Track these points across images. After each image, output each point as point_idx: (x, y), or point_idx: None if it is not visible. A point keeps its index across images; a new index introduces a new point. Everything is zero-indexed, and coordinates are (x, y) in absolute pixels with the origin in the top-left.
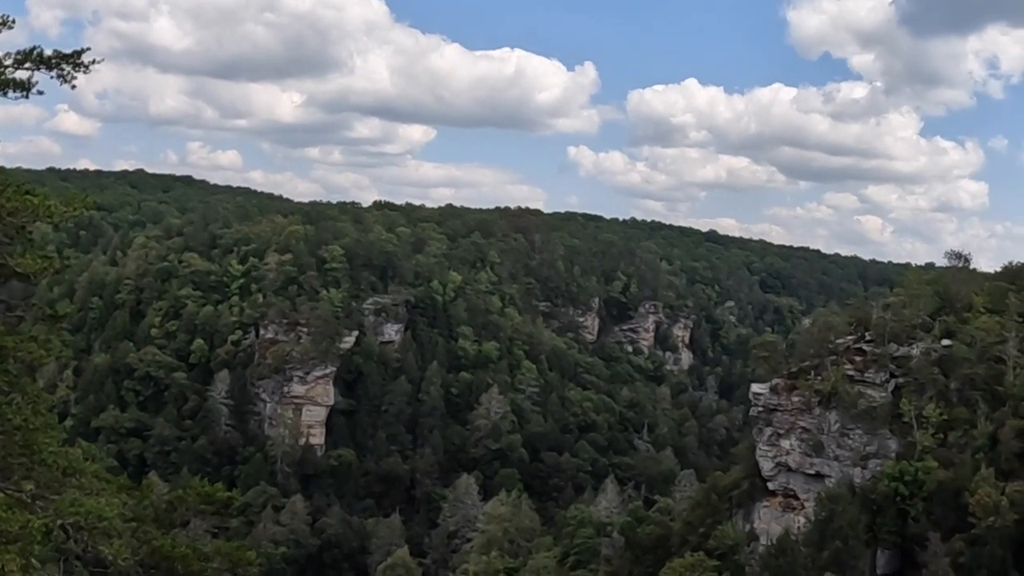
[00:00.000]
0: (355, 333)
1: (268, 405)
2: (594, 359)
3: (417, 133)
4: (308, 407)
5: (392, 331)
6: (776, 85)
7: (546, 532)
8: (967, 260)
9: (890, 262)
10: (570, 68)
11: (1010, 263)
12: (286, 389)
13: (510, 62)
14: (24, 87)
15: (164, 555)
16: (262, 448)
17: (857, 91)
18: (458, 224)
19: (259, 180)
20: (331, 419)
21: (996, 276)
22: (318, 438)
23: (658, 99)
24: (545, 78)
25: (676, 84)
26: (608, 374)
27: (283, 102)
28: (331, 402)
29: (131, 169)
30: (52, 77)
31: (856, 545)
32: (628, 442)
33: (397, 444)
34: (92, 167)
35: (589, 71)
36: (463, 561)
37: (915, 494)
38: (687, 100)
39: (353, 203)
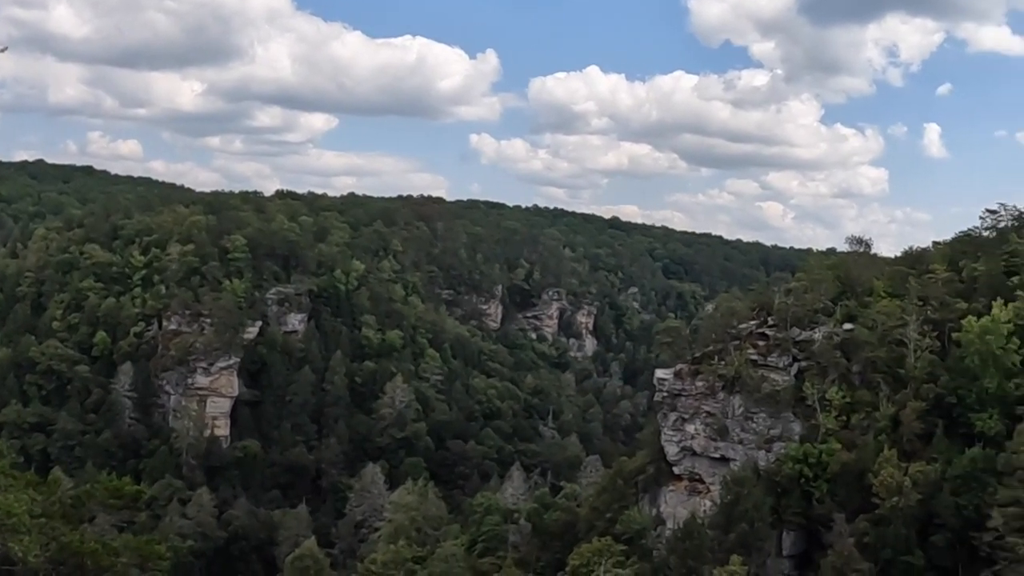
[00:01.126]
0: (258, 323)
1: (172, 397)
2: (498, 346)
3: (319, 121)
4: (212, 398)
5: (295, 321)
6: (678, 73)
7: (453, 520)
8: (868, 245)
9: (792, 247)
10: (472, 56)
11: (910, 248)
12: (190, 381)
13: (412, 50)
14: None
15: (73, 551)
16: (167, 441)
17: (758, 79)
18: (360, 213)
19: (160, 170)
20: (236, 410)
21: (896, 261)
22: (223, 430)
23: (560, 86)
24: (447, 66)
25: (578, 71)
26: (512, 361)
27: (184, 91)
28: (235, 393)
29: (31, 159)
30: None
31: (762, 527)
32: (533, 429)
33: (302, 434)
34: None
35: (491, 59)
36: (371, 551)
37: (819, 476)
38: (589, 87)
39: (255, 192)
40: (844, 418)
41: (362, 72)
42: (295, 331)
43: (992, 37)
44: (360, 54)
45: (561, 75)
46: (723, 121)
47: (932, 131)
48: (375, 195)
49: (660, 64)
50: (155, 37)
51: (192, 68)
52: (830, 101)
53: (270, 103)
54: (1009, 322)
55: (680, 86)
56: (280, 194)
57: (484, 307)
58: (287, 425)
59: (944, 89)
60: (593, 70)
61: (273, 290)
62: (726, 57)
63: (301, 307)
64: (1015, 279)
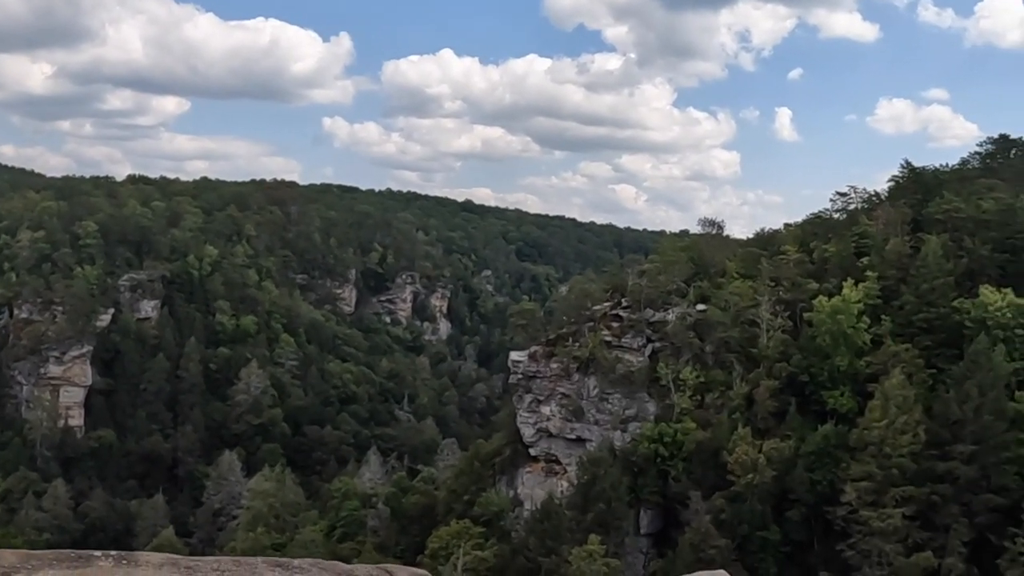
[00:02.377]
0: (111, 311)
1: (25, 387)
2: (352, 331)
3: (171, 105)
4: (66, 388)
5: (149, 307)
6: (531, 56)
7: (311, 506)
8: (720, 227)
9: (645, 230)
10: (325, 38)
11: (762, 229)
12: (43, 370)
13: (265, 32)
14: None
15: None
16: (20, 432)
17: (611, 62)
18: (214, 197)
19: (9, 154)
20: (90, 400)
21: (748, 242)
22: (77, 420)
23: (413, 69)
24: (300, 48)
25: (431, 55)
26: (367, 345)
27: (33, 73)
28: (89, 382)
29: None
30: None
31: (619, 506)
32: (389, 413)
33: (158, 423)
34: None
35: (344, 41)
36: (230, 539)
37: (675, 455)
38: (443, 71)
39: (107, 177)
40: (698, 397)
41: (214, 54)
42: (148, 318)
43: (843, 23)
44: (212, 36)
45: (415, 58)
46: (576, 104)
47: (784, 115)
48: (228, 179)
49: (514, 47)
50: (3, 18)
51: (42, 50)
52: (683, 85)
53: (121, 86)
54: (859, 302)
55: (534, 69)
56: (132, 179)
57: (338, 291)
58: (142, 414)
59: (795, 74)
60: (447, 53)
61: (126, 276)
62: (579, 41)
63: (154, 293)
64: (865, 260)
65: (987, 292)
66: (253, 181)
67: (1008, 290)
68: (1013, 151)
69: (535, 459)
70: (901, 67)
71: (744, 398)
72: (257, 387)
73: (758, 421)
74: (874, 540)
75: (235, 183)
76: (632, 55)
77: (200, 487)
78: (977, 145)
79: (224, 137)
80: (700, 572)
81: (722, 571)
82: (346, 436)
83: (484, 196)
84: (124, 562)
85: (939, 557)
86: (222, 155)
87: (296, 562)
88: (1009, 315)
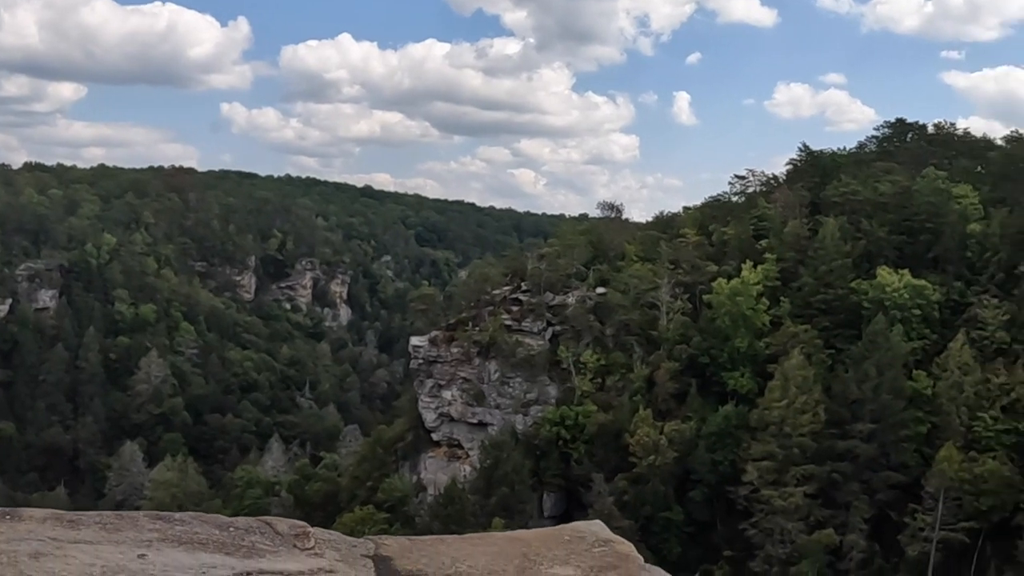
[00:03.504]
0: (8, 301)
1: None
2: (253, 318)
3: (67, 91)
4: None
5: (47, 297)
6: (430, 41)
7: (214, 495)
8: (619, 211)
9: (544, 214)
10: (223, 23)
11: (661, 213)
12: None
13: (162, 16)
14: None
15: None
16: None
17: (510, 47)
18: (112, 185)
19: None
20: None
21: (647, 226)
22: None
23: (312, 54)
24: (197, 33)
25: (330, 39)
26: (267, 332)
27: None
28: None
29: None
30: None
31: (522, 490)
32: (291, 400)
33: (58, 414)
34: None
35: (242, 26)
36: None
37: (577, 437)
38: (341, 55)
39: (3, 165)
40: (599, 380)
41: (111, 39)
42: (46, 308)
43: (741, 8)
44: (109, 21)
45: (313, 43)
46: (475, 89)
47: (682, 99)
48: (126, 166)
49: (412, 32)
50: None
51: None
52: (582, 70)
53: (16, 72)
54: (758, 284)
55: (432, 54)
56: (28, 166)
57: (238, 278)
58: (41, 405)
59: (694, 58)
60: (345, 38)
61: (23, 266)
62: (478, 25)
63: (52, 283)
64: (763, 242)
65: (884, 273)
66: (151, 168)
67: (905, 271)
68: (909, 135)
69: (437, 444)
70: (799, 52)
71: (645, 380)
72: (157, 376)
73: (659, 403)
74: (776, 518)
75: (133, 170)
76: (531, 40)
77: (102, 478)
78: (874, 129)
79: (122, 123)
80: (576, 522)
81: (598, 521)
82: (248, 424)
83: (383, 181)
84: (7, 517)
85: (841, 534)
86: (120, 142)
87: (177, 515)
88: (906, 296)
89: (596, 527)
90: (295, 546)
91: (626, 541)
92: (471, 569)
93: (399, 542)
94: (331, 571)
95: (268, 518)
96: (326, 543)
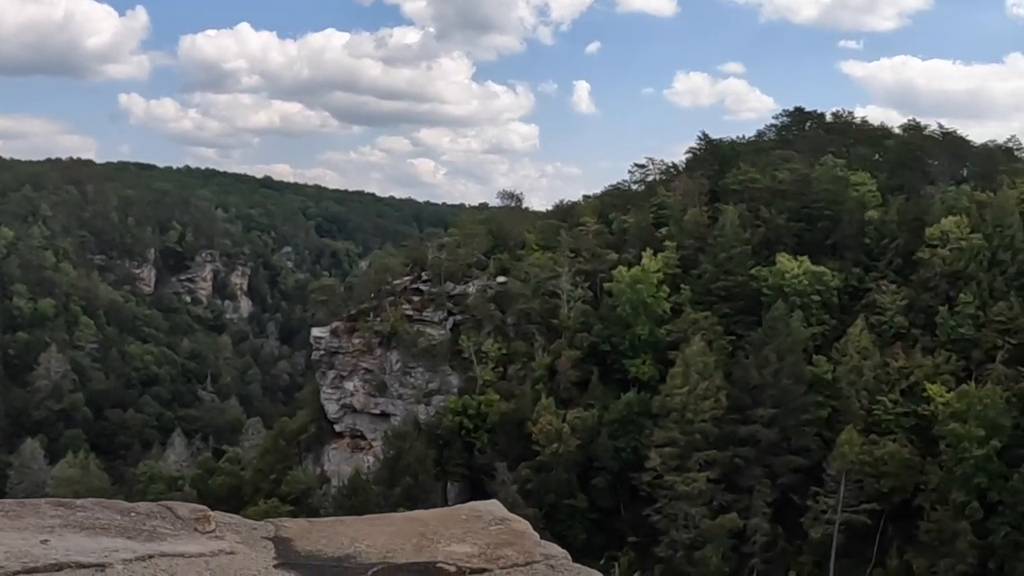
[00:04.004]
0: None
1: None
2: (153, 311)
3: None
4: None
5: None
6: (329, 30)
7: (117, 492)
8: (519, 200)
9: (444, 203)
10: (121, 12)
11: (560, 201)
12: None
13: (59, 6)
14: None
15: None
16: None
17: (410, 36)
18: (8, 177)
19: None
20: None
21: (547, 214)
22: None
23: (211, 44)
24: (95, 23)
25: (229, 29)
26: (168, 326)
27: None
28: None
29: None
30: None
31: (426, 480)
32: (192, 394)
33: None
34: None
35: (140, 15)
36: None
37: (479, 427)
38: (240, 45)
39: None
40: (501, 369)
41: (7, 29)
42: None
43: None
44: (5, 10)
45: (212, 32)
46: (374, 79)
47: (582, 88)
48: (23, 158)
49: (312, 21)
50: None
51: None
52: (481, 59)
53: None
54: (658, 271)
55: (331, 44)
56: None
57: (137, 271)
58: None
59: (593, 48)
60: (244, 27)
61: None
62: (378, 15)
63: None
64: (663, 230)
65: (784, 260)
66: (49, 160)
67: (804, 258)
68: (808, 123)
69: (340, 435)
70: (698, 41)
71: (546, 369)
72: (57, 372)
73: (561, 391)
74: (680, 504)
75: (30, 162)
76: (431, 29)
77: (3, 476)
78: (773, 118)
79: (18, 115)
80: (474, 502)
81: (495, 501)
82: (149, 419)
83: (283, 172)
84: None
85: (744, 518)
86: (16, 133)
87: (79, 502)
88: (805, 282)
89: (493, 506)
90: (196, 529)
91: (522, 519)
92: (369, 548)
93: (299, 524)
94: (232, 552)
95: (169, 503)
96: (227, 526)
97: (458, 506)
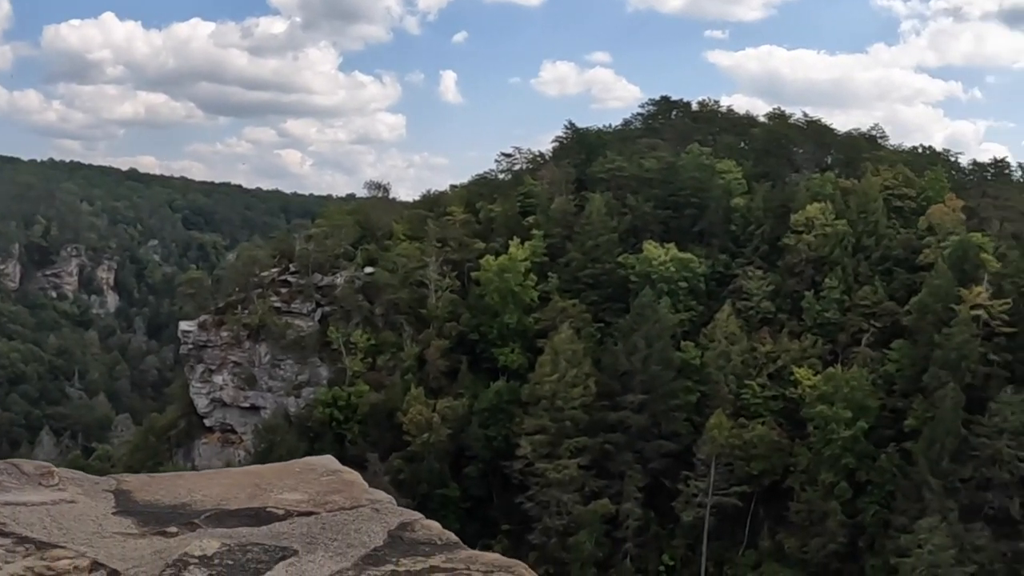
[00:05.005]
0: None
1: None
2: (18, 307)
3: None
4: None
5: None
6: (195, 20)
7: None
8: (386, 190)
9: (312, 195)
10: None
11: (428, 191)
12: None
13: None
14: None
15: None
16: None
17: (276, 26)
18: None
19: None
20: None
21: (415, 204)
22: None
23: (74, 34)
24: None
25: (93, 19)
26: (34, 322)
27: None
28: None
29: None
30: None
31: None
32: (60, 391)
33: None
34: None
35: (2, 5)
36: None
37: (350, 418)
38: (105, 35)
39: None
40: (370, 360)
41: None
42: None
43: None
44: None
45: (76, 22)
46: (240, 69)
47: (449, 78)
48: None
49: (177, 11)
50: None
51: None
52: (348, 49)
53: None
54: (525, 260)
55: (197, 33)
56: None
57: (1, 267)
58: None
59: (460, 37)
60: (109, 17)
61: None
62: (244, 4)
63: None
64: (530, 219)
65: (650, 247)
66: None
67: (671, 245)
68: (674, 112)
69: (211, 430)
70: (565, 30)
71: (416, 358)
72: None
73: (431, 381)
74: (552, 491)
75: None
76: (297, 18)
77: None
78: (639, 107)
79: None
80: (308, 457)
81: (329, 455)
82: (16, 417)
83: (149, 164)
84: None
85: (616, 503)
86: None
87: None
88: (672, 269)
89: (326, 460)
90: (40, 484)
91: (353, 471)
92: (205, 498)
93: (139, 478)
94: (72, 501)
95: (15, 460)
96: (70, 480)
97: (293, 461)
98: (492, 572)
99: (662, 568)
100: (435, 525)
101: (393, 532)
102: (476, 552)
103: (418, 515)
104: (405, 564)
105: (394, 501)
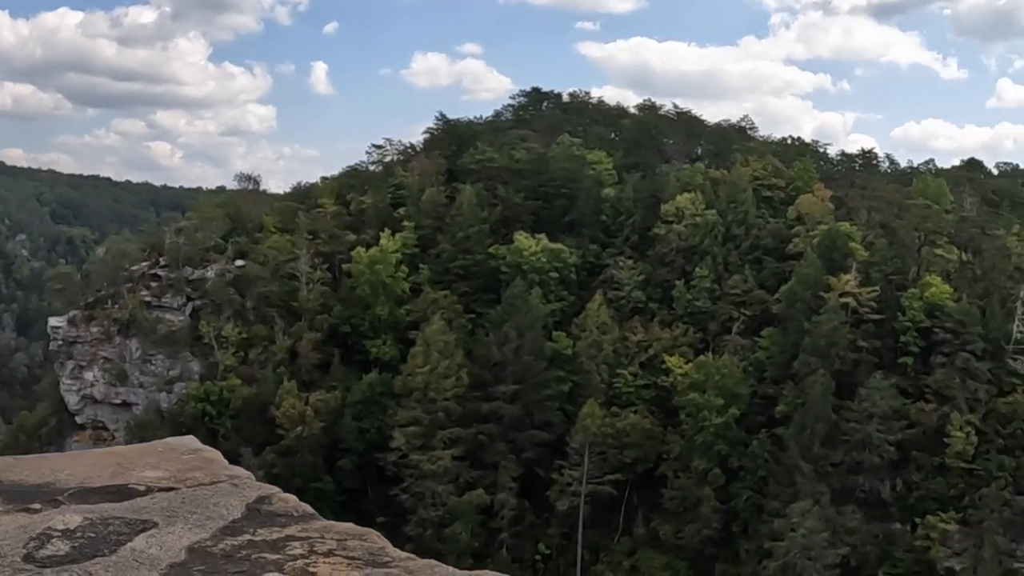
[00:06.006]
0: None
1: None
2: None
3: None
4: None
5: None
6: (63, 9)
7: None
8: (257, 182)
9: (181, 187)
10: None
11: (298, 183)
12: None
13: None
14: None
15: None
16: None
17: (145, 16)
18: None
19: None
20: None
21: (285, 196)
22: None
23: None
24: None
25: None
26: None
27: None
28: None
29: None
30: None
31: None
32: None
33: None
34: None
35: None
36: None
37: (223, 412)
38: None
39: None
40: (242, 354)
41: None
42: None
43: None
44: None
45: None
46: (109, 59)
47: (319, 69)
48: None
49: (45, 0)
50: None
51: None
52: (219, 39)
53: None
54: (397, 251)
55: (65, 23)
56: None
57: None
58: None
59: (331, 28)
60: None
61: None
62: None
63: None
64: (401, 210)
65: (521, 238)
66: None
67: (542, 235)
68: (545, 103)
69: (82, 427)
70: (436, 21)
71: (288, 352)
72: None
73: (303, 374)
74: (426, 482)
75: None
76: (167, 8)
77: None
78: (510, 98)
79: None
80: (169, 438)
81: (191, 436)
82: None
83: (15, 157)
84: None
85: (491, 494)
86: None
87: None
88: (543, 259)
89: (188, 440)
90: None
91: (215, 450)
92: (69, 476)
93: (4, 460)
94: None
95: None
96: None
97: (155, 442)
98: (346, 540)
99: (538, 557)
100: (292, 498)
101: (251, 505)
102: (331, 522)
103: (276, 489)
104: (262, 534)
105: (253, 477)
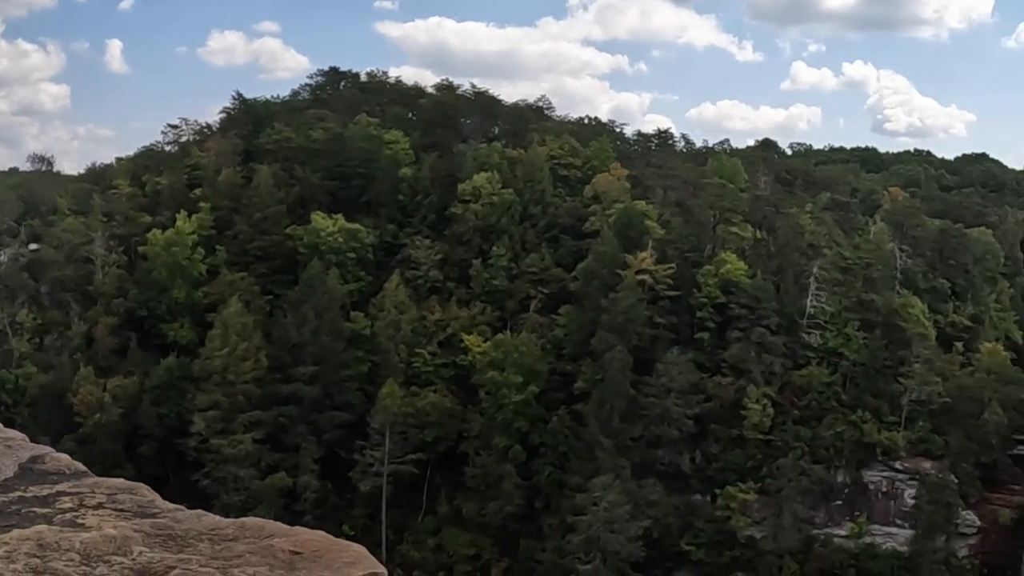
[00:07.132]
0: None
1: None
2: None
3: None
4: None
5: None
6: None
7: None
8: (51, 163)
9: None
10: None
11: (93, 164)
12: None
13: None
14: None
15: None
16: None
17: None
18: None
19: None
20: None
21: (80, 178)
22: None
23: None
24: None
25: None
26: None
27: None
28: None
29: None
30: None
31: None
32: None
33: None
34: None
35: None
36: None
37: (19, 401)
38: None
39: None
40: (37, 340)
41: None
42: None
43: None
44: None
45: None
46: None
47: (115, 47)
48: None
49: None
50: None
51: None
52: (11, 15)
53: None
54: (193, 233)
55: None
56: None
57: None
58: None
59: (127, 4)
60: None
61: None
62: None
63: None
64: (198, 191)
65: (319, 219)
66: None
67: (339, 216)
68: (342, 83)
69: None
70: None
71: (84, 337)
72: None
73: (100, 359)
74: (228, 467)
75: None
76: None
77: None
78: (308, 77)
79: None
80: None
81: (16, 432)
82: None
83: None
84: None
85: (293, 476)
86: None
87: None
88: (341, 240)
89: (13, 434)
90: None
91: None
92: None
93: None
94: None
95: None
96: None
97: None
98: (115, 494)
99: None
100: (65, 457)
101: (24, 465)
102: (101, 478)
103: (49, 449)
104: (33, 491)
105: (27, 439)
